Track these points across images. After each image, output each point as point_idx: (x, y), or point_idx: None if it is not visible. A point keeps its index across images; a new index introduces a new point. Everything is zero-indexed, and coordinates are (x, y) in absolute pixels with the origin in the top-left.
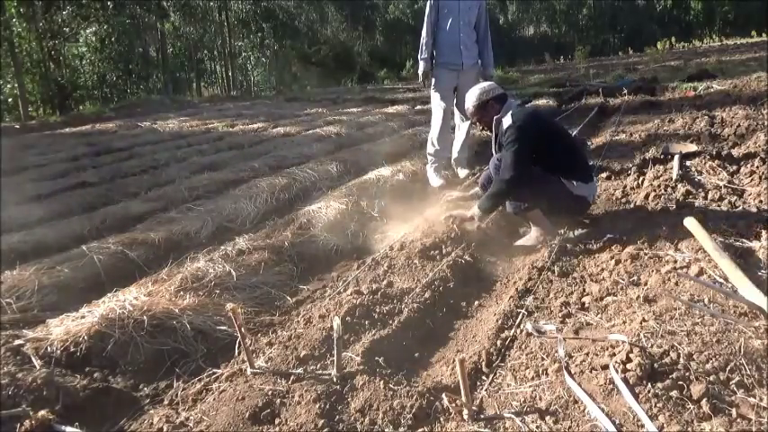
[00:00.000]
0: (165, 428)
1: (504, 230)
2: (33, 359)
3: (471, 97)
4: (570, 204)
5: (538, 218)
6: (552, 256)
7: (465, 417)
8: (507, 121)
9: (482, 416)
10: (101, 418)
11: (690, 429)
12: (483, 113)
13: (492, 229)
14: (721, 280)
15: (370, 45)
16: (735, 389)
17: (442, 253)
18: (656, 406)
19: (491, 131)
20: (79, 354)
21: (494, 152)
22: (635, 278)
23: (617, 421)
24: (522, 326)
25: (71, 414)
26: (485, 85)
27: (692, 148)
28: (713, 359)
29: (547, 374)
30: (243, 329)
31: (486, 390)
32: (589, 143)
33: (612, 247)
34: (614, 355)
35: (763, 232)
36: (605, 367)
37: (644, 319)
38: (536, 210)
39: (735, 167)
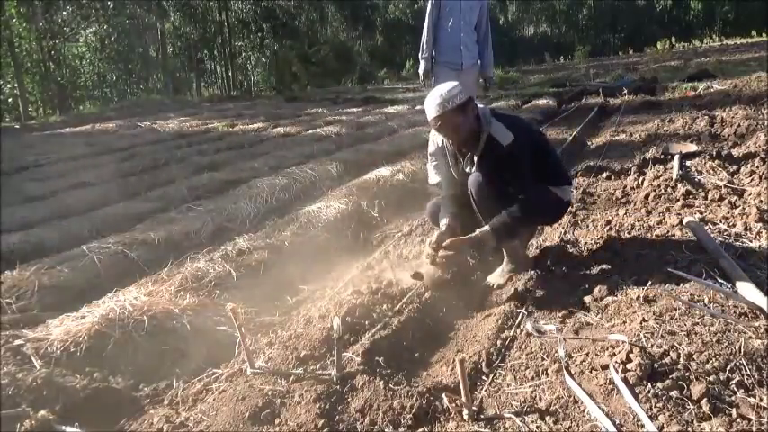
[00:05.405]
0: (165, 428)
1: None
2: (33, 359)
3: (433, 103)
4: (562, 211)
5: (516, 249)
6: (552, 257)
7: (465, 417)
8: (506, 135)
9: (482, 416)
10: (101, 418)
11: (690, 429)
12: (456, 121)
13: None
14: (721, 280)
15: (370, 45)
16: (735, 389)
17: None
18: (656, 406)
19: (459, 145)
20: (79, 354)
21: (466, 169)
22: (635, 278)
23: (617, 421)
24: (522, 326)
25: (71, 414)
26: (444, 88)
27: (692, 148)
28: (713, 359)
29: (547, 374)
30: (243, 329)
31: (486, 390)
32: (589, 143)
33: (612, 247)
34: (614, 355)
35: (764, 232)
36: (605, 367)
37: (644, 319)
38: (517, 241)
39: (735, 167)
